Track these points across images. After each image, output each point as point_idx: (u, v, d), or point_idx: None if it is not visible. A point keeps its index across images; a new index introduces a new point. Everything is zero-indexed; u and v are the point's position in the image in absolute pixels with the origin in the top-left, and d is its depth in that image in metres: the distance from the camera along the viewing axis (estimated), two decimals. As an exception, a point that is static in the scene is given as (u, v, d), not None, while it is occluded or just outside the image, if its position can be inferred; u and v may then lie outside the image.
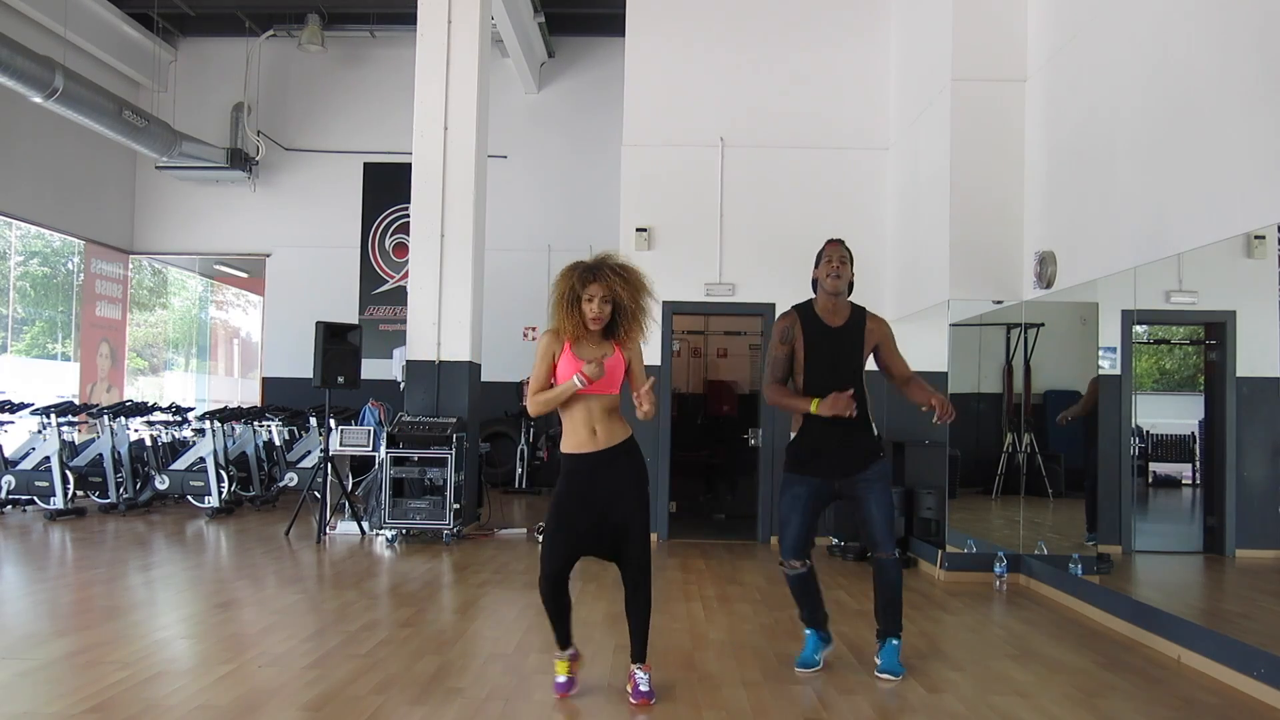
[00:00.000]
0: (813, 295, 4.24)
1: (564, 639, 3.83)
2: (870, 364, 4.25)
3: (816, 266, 4.15)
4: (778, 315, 4.28)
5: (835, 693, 3.88)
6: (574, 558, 3.73)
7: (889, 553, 4.09)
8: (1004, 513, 7.04)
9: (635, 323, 3.68)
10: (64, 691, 3.69)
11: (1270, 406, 5.36)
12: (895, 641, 4.14)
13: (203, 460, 9.09)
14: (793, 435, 4.20)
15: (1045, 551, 6.42)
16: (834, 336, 4.12)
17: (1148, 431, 6.08)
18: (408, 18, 9.39)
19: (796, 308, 4.23)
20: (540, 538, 3.97)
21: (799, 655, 4.22)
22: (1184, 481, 6.30)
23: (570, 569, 3.76)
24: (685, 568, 6.92)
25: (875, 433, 4.16)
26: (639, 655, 3.75)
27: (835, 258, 4.12)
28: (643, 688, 3.70)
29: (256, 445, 10.18)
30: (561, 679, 3.81)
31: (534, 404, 3.72)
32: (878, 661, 4.14)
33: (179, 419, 10.38)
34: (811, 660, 4.17)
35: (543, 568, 3.71)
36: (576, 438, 3.70)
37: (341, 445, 8.20)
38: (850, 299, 4.22)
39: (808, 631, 4.24)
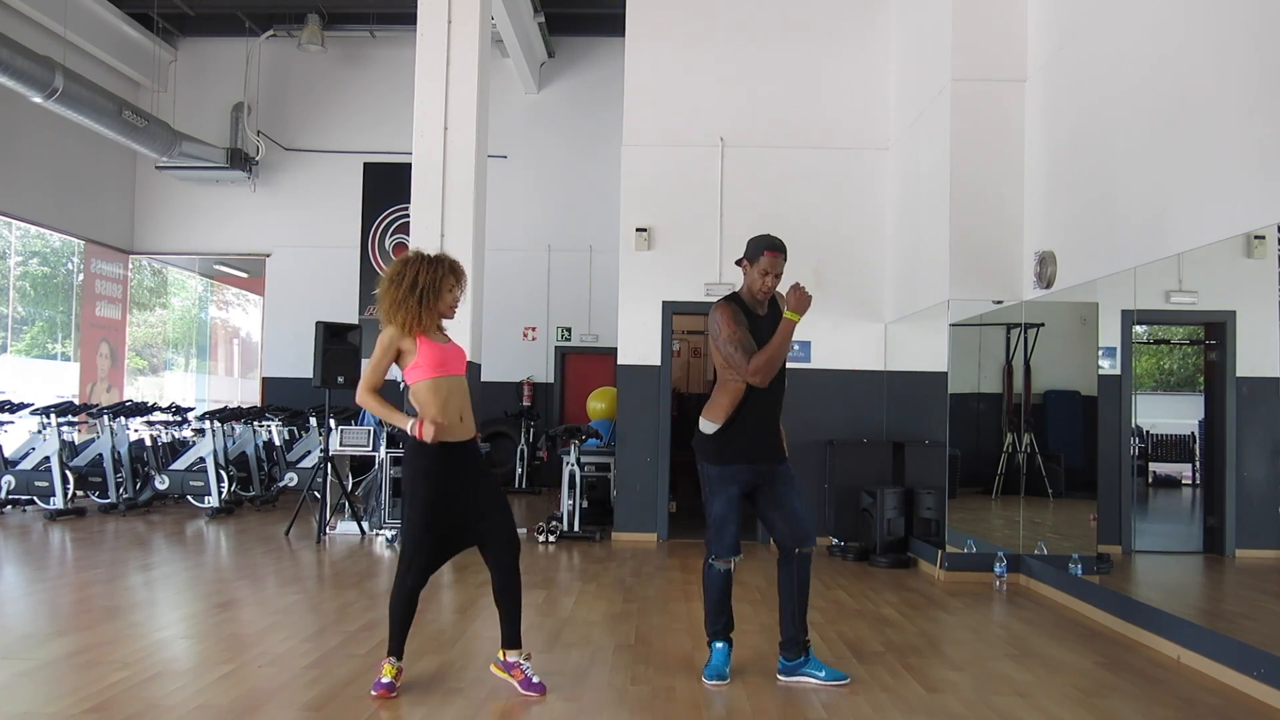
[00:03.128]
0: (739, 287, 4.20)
1: (394, 647, 3.78)
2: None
3: (753, 264, 4.04)
4: (715, 307, 4.11)
5: (835, 693, 3.88)
6: (433, 568, 3.86)
7: (812, 545, 4.05)
8: (1004, 513, 7.04)
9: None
10: (64, 691, 3.69)
11: (1270, 406, 5.36)
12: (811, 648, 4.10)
13: (203, 460, 9.09)
14: (715, 426, 4.03)
15: (1045, 551, 6.42)
16: (760, 325, 4.09)
17: (1148, 431, 6.08)
18: (408, 18, 9.39)
19: (731, 298, 4.14)
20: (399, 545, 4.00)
21: (709, 665, 4.04)
22: (1184, 481, 6.30)
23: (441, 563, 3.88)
24: (685, 568, 6.92)
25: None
26: (516, 641, 3.84)
27: (775, 273, 4.04)
28: (535, 679, 3.78)
29: (256, 445, 10.18)
30: (386, 679, 3.71)
31: (366, 399, 3.70)
32: (815, 676, 3.98)
33: (179, 419, 10.38)
34: (724, 671, 4.02)
35: (403, 580, 3.80)
36: (448, 425, 3.69)
37: (341, 445, 8.20)
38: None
39: (719, 644, 4.06)
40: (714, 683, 3.97)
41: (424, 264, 3.72)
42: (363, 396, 3.69)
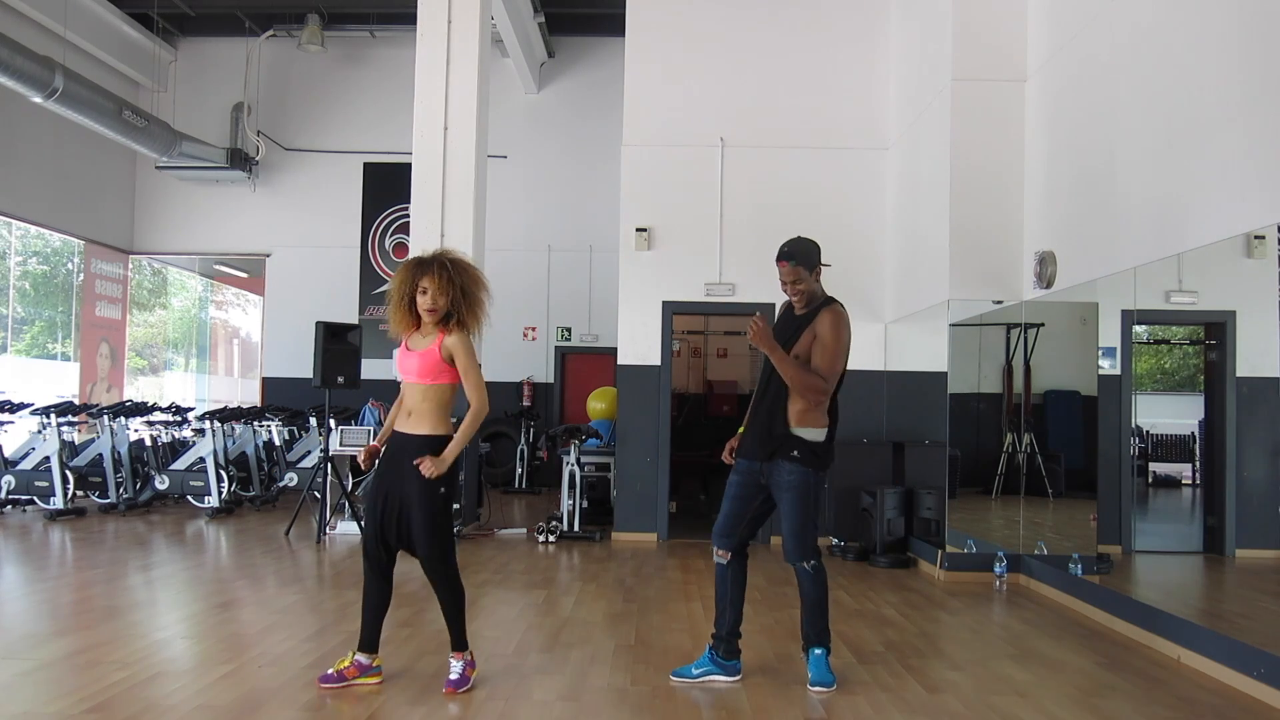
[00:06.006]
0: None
1: (368, 639, 3.82)
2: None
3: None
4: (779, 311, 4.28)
5: (835, 693, 3.88)
6: (382, 539, 3.80)
7: (796, 563, 3.95)
8: (1004, 513, 7.04)
9: (470, 314, 3.83)
10: (64, 691, 3.69)
11: (1270, 406, 5.36)
12: (819, 651, 3.96)
13: (203, 460, 9.09)
14: None
15: (1045, 551, 6.43)
16: (789, 325, 4.08)
17: (1148, 431, 6.09)
18: (408, 18, 9.40)
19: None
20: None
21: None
22: (1184, 481, 6.30)
23: (386, 554, 3.83)
24: (685, 568, 6.92)
25: (802, 434, 3.92)
26: (455, 644, 3.83)
27: (789, 280, 4.01)
28: (451, 676, 3.79)
29: (256, 445, 10.18)
30: (331, 671, 3.78)
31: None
32: (809, 674, 3.98)
33: (179, 419, 10.38)
34: (687, 672, 3.99)
35: (363, 550, 3.90)
36: (396, 417, 3.88)
37: (341, 445, 8.19)
38: (827, 294, 4.10)
39: (706, 646, 4.06)
40: (673, 677, 3.99)
41: (403, 269, 3.81)
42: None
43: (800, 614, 4.06)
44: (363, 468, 3.80)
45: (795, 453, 3.92)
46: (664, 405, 8.35)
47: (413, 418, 3.80)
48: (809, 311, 4.04)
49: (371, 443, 3.92)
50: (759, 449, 3.99)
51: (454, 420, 3.85)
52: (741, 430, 4.19)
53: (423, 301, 3.74)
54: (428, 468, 3.68)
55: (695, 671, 4.00)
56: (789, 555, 3.97)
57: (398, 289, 3.77)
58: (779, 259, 4.04)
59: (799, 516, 3.92)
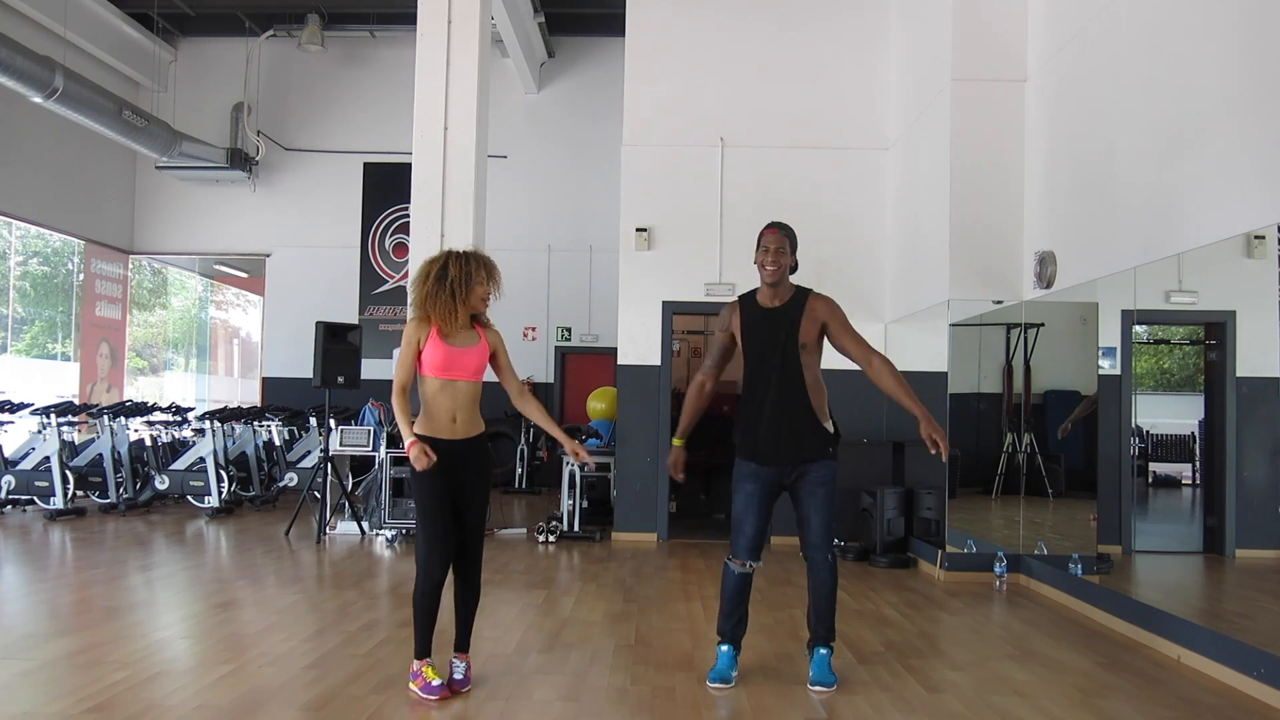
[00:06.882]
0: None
1: (427, 647, 3.74)
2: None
3: (758, 247, 4.02)
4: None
5: (835, 693, 3.88)
6: (452, 555, 3.76)
7: (822, 554, 3.95)
8: (1004, 513, 7.04)
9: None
10: (64, 691, 3.69)
11: (1270, 406, 5.37)
12: (824, 651, 3.97)
13: (203, 460, 9.09)
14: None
15: (1045, 551, 6.42)
16: (768, 317, 4.01)
17: (1148, 431, 6.09)
18: (408, 18, 9.40)
19: (741, 296, 4.17)
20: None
21: (714, 667, 3.99)
22: (1184, 481, 6.31)
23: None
24: (685, 568, 6.92)
25: (828, 428, 3.99)
26: (463, 645, 3.83)
27: (773, 246, 3.98)
28: (456, 675, 3.78)
29: (256, 445, 10.18)
30: (437, 682, 3.69)
31: (394, 400, 3.74)
32: (810, 673, 3.97)
33: (179, 419, 10.38)
34: (729, 675, 3.96)
35: (429, 572, 3.71)
36: (435, 424, 3.74)
37: (341, 445, 8.20)
38: (797, 282, 4.09)
39: (725, 647, 4.00)
40: (716, 685, 3.94)
41: (454, 258, 3.78)
42: (394, 397, 3.75)
43: (810, 609, 4.05)
44: (419, 468, 3.60)
45: (830, 449, 3.99)
46: (664, 405, 8.34)
47: (466, 419, 3.76)
48: (789, 303, 4.01)
49: (412, 439, 3.64)
50: (800, 451, 3.93)
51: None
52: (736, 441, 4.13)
53: (482, 291, 3.78)
54: (585, 454, 3.93)
55: (733, 673, 3.99)
56: (816, 547, 3.96)
57: (460, 275, 3.72)
58: (770, 225, 4.05)
59: (831, 509, 3.99)
